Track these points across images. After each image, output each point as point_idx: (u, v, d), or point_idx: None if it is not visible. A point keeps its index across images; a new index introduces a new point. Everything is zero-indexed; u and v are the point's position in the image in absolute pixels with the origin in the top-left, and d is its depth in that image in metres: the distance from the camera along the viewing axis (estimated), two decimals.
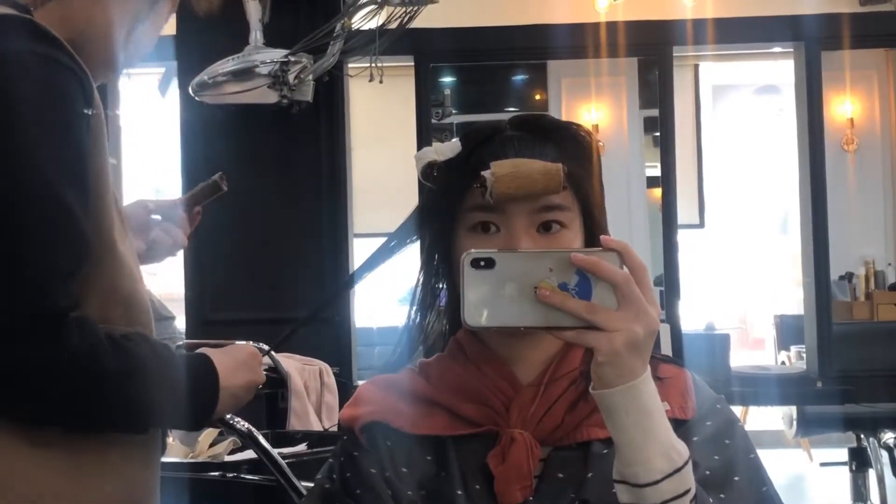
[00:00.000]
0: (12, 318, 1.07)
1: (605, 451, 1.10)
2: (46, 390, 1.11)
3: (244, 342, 1.46)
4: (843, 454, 4.70)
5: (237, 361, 1.32)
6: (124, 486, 1.21)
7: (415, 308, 1.23)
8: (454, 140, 1.20)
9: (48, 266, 1.10)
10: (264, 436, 1.91)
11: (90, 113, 1.17)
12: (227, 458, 2.19)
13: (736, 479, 1.11)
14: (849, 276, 6.74)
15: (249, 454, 2.10)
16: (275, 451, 1.86)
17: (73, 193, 1.12)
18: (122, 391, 1.15)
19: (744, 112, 9.07)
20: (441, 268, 1.21)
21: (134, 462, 1.23)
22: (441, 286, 1.22)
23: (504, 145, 1.16)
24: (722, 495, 1.08)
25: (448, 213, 1.16)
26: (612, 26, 4.74)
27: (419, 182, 1.21)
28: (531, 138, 1.17)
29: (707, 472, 1.08)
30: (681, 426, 1.10)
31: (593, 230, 1.15)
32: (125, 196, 4.76)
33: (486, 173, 1.10)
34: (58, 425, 1.15)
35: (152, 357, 1.19)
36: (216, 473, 2.13)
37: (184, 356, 1.28)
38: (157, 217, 1.53)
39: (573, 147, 1.17)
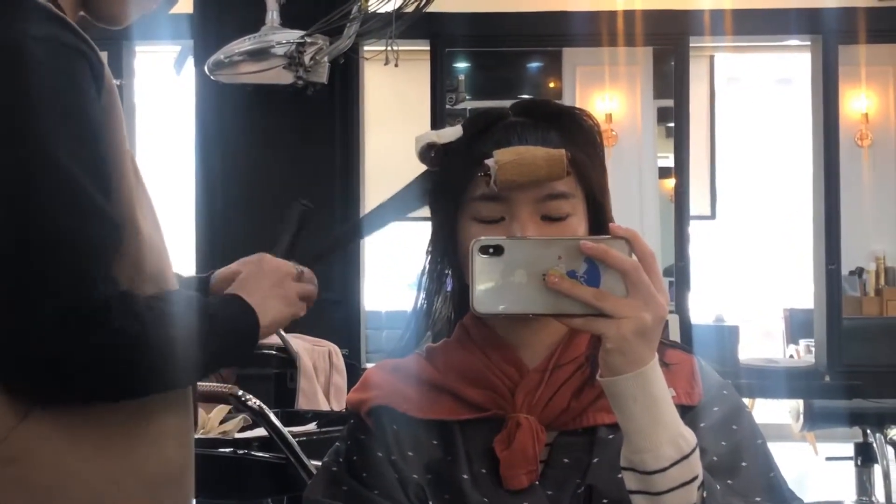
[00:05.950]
0: (57, 308, 1.05)
1: (610, 437, 1.11)
2: (100, 372, 1.09)
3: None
4: (848, 449, 4.68)
5: (268, 283, 1.29)
6: (160, 464, 1.20)
7: (422, 294, 1.23)
8: (456, 126, 1.19)
9: (82, 256, 1.08)
10: (275, 415, 1.93)
11: (101, 91, 1.13)
12: (238, 436, 2.20)
13: (743, 464, 1.11)
14: (859, 272, 6.71)
15: (260, 432, 2.12)
16: (286, 430, 1.88)
17: (93, 181, 1.10)
18: (173, 355, 1.13)
19: (758, 104, 9.03)
20: (446, 254, 1.21)
21: (168, 439, 1.21)
22: (447, 272, 1.22)
23: (507, 132, 1.15)
24: (729, 481, 1.09)
25: (452, 202, 1.16)
26: (628, 15, 4.73)
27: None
28: (534, 124, 1.16)
29: (714, 459, 1.09)
30: (687, 412, 1.11)
31: (598, 216, 1.16)
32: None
33: (489, 161, 1.10)
34: (112, 401, 1.14)
35: (187, 310, 1.17)
36: (227, 450, 2.14)
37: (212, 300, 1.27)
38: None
39: (577, 133, 1.17)
